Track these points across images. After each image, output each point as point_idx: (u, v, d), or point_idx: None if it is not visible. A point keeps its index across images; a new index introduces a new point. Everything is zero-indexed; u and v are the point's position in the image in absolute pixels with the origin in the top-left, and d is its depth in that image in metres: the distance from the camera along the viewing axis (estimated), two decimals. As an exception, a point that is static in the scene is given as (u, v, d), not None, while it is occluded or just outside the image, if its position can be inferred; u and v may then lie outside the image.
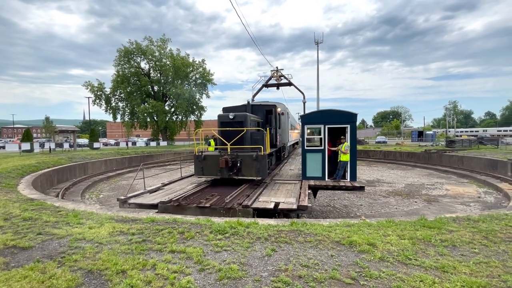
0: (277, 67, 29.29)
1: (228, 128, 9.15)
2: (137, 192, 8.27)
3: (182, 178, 11.02)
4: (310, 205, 6.78)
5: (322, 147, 9.87)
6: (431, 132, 50.01)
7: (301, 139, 10.55)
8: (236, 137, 8.83)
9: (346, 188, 9.30)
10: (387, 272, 3.26)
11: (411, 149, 28.90)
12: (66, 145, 27.28)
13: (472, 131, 74.64)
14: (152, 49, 38.10)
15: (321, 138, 9.91)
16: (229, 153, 8.77)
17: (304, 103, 32.29)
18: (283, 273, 3.27)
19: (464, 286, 2.93)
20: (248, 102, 11.68)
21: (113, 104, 39.87)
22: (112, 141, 46.47)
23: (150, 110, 37.56)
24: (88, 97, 40.30)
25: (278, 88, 30.76)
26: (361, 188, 9.08)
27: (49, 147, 25.65)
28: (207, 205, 6.83)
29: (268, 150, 9.44)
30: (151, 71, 40.69)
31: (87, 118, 46.58)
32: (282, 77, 29.31)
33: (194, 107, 41.11)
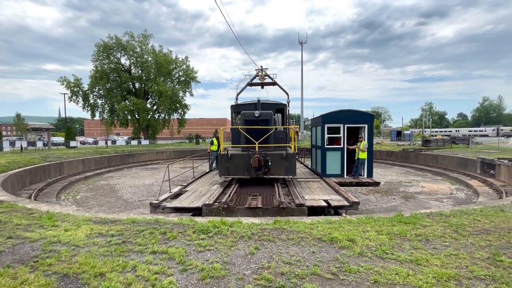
0: (261, 66, 29.34)
1: (256, 126, 8.77)
2: (165, 196, 7.72)
3: (196, 179, 10.66)
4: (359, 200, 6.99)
5: (341, 146, 10.26)
6: (408, 132, 52.25)
7: (320, 137, 10.65)
8: (265, 136, 8.57)
9: (369, 184, 9.93)
10: (366, 266, 3.39)
11: (390, 148, 30.03)
12: (39, 144, 25.88)
13: (446, 131, 78.82)
14: (133, 45, 36.93)
15: (340, 137, 10.27)
16: (257, 151, 8.41)
17: (288, 103, 32.63)
18: (265, 271, 3.31)
19: (435, 277, 3.11)
20: (259, 100, 11.26)
21: (91, 101, 38.30)
22: (91, 140, 44.66)
23: (131, 108, 36.46)
24: (64, 93, 38.47)
25: (262, 88, 30.79)
26: (378, 184, 9.89)
27: (21, 145, 24.20)
28: (259, 205, 6.60)
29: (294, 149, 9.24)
30: (132, 67, 39.46)
31: (62, 115, 44.35)
32: (266, 77, 29.42)
33: (178, 105, 40.33)
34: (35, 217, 5.55)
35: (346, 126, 10.18)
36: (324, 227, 4.81)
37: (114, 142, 39.87)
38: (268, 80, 29.92)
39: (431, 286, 2.94)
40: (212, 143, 13.17)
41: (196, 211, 6.65)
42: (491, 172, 14.60)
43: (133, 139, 40.06)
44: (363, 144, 9.77)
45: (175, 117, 41.99)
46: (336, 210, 6.75)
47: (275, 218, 5.45)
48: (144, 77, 38.97)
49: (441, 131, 79.75)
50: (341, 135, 10.20)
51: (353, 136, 10.64)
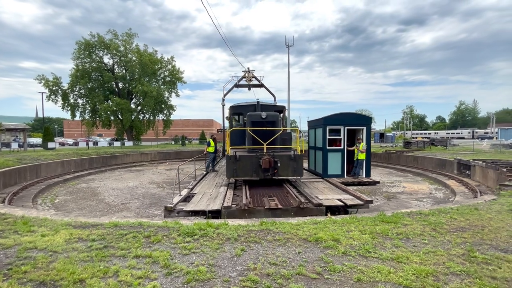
0: (248, 68, 29.40)
1: (263, 128, 8.82)
2: (177, 199, 7.49)
3: (198, 182, 10.45)
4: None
5: (342, 147, 10.66)
6: (391, 134, 54.07)
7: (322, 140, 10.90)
8: (272, 137, 8.65)
9: (369, 184, 10.32)
10: (349, 265, 3.47)
11: (373, 149, 30.83)
12: (14, 145, 24.56)
13: (426, 134, 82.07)
14: (117, 44, 35.91)
15: (340, 138, 10.65)
16: (265, 153, 8.46)
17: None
18: (251, 272, 3.31)
19: (414, 274, 3.23)
20: (258, 101, 11.36)
21: (72, 100, 36.83)
22: (71, 141, 42.91)
23: (114, 108, 35.37)
24: (42, 93, 36.85)
25: (249, 89, 30.89)
26: (377, 183, 10.47)
27: (-6, 147, 22.88)
28: (280, 206, 6.57)
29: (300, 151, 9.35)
30: (116, 66, 38.38)
31: (40, 115, 42.41)
32: (253, 78, 29.50)
33: (163, 105, 39.54)
34: (9, 223, 5.27)
35: (346, 128, 10.62)
36: (309, 227, 4.88)
37: (96, 143, 38.49)
38: (255, 82, 29.90)
39: (411, 282, 3.05)
40: (209, 144, 12.96)
41: (214, 214, 6.52)
42: (467, 173, 15.35)
43: (116, 140, 38.89)
44: (362, 145, 10.27)
45: (160, 118, 41.17)
46: (346, 209, 6.98)
47: (261, 220, 5.46)
48: (128, 77, 37.98)
49: (421, 133, 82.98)
50: (342, 136, 10.62)
51: (350, 138, 11.00)
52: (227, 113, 17.18)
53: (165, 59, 39.70)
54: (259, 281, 3.10)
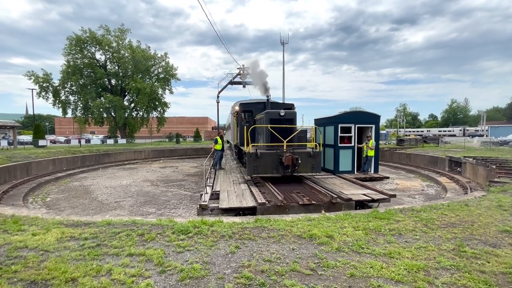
0: (243, 65, 29.29)
1: (282, 125, 9.00)
2: (207, 197, 7.40)
3: (214, 180, 10.36)
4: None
5: (352, 144, 11.04)
6: (384, 131, 54.57)
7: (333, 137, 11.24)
8: (292, 135, 8.87)
9: (380, 179, 10.70)
10: (343, 261, 3.50)
11: (367, 147, 31.14)
12: (3, 143, 24.06)
13: (419, 131, 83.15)
14: (109, 39, 35.28)
15: (351, 136, 11.03)
16: (285, 150, 8.66)
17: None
18: (246, 269, 3.32)
19: (406, 269, 3.28)
20: (268, 99, 11.45)
21: (63, 97, 36.16)
22: (62, 138, 42.14)
23: (107, 105, 34.80)
24: (32, 89, 35.96)
25: (244, 86, 30.82)
26: (387, 178, 11.08)
27: (-18, 144, 22.35)
28: (313, 201, 6.71)
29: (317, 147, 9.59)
30: (108, 63, 37.75)
31: (30, 112, 41.52)
32: (248, 75, 29.39)
33: (157, 103, 39.10)
34: (-2, 222, 5.16)
35: (356, 126, 11.02)
36: (303, 224, 4.91)
37: (88, 141, 37.91)
38: (250, 79, 29.69)
39: (403, 277, 3.10)
40: (216, 142, 12.90)
41: (249, 211, 6.57)
42: (458, 170, 15.64)
43: (109, 138, 38.37)
44: (372, 142, 10.72)
45: (154, 115, 40.75)
46: (369, 204, 7.19)
47: (255, 217, 5.47)
48: (120, 74, 37.41)
49: (414, 131, 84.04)
50: (352, 134, 11.03)
51: (358, 136, 11.44)
52: (229, 111, 17.14)
53: (159, 55, 39.23)
54: (253, 278, 3.11)
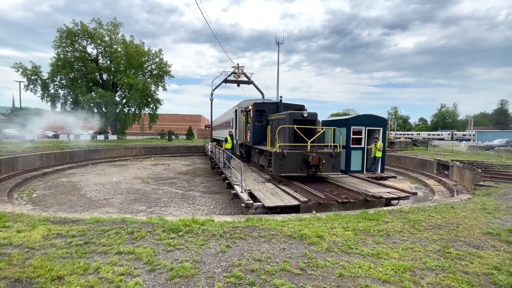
0: (238, 64, 29.19)
1: (306, 126, 9.29)
2: (246, 196, 7.24)
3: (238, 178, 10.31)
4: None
5: (362, 146, 11.55)
6: (375, 134, 55.25)
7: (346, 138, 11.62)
8: (315, 136, 9.18)
9: (388, 178, 11.04)
10: (332, 261, 3.55)
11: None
12: (-11, 136, 23.29)
13: (409, 134, 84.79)
14: (101, 33, 34.61)
15: (361, 138, 11.58)
16: (309, 150, 8.92)
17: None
18: (236, 268, 3.32)
19: (393, 269, 3.35)
20: (281, 100, 11.90)
21: (52, 91, 35.35)
22: (50, 133, 41.10)
23: (98, 100, 34.20)
24: (19, 81, 34.93)
25: (238, 85, 30.74)
26: (394, 177, 11.54)
27: (-34, 137, 21.59)
28: (351, 200, 6.94)
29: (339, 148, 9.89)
30: (100, 57, 37.07)
31: (17, 105, 40.30)
32: (242, 75, 29.34)
33: (149, 99, 38.61)
34: (-19, 217, 5.01)
35: (367, 128, 11.54)
36: (294, 224, 4.94)
37: (77, 136, 37.13)
38: (243, 78, 29.72)
39: (390, 277, 3.16)
40: (226, 141, 12.90)
41: (291, 209, 6.57)
42: (446, 173, 16.04)
43: (100, 133, 37.67)
44: (380, 144, 11.18)
45: (146, 112, 40.21)
46: (389, 201, 7.54)
47: (247, 216, 5.48)
48: (113, 68, 36.76)
49: (405, 134, 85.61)
50: (363, 136, 11.53)
51: (375, 137, 11.94)
52: (232, 110, 17.03)
53: (153, 51, 38.78)
54: (243, 277, 3.12)
